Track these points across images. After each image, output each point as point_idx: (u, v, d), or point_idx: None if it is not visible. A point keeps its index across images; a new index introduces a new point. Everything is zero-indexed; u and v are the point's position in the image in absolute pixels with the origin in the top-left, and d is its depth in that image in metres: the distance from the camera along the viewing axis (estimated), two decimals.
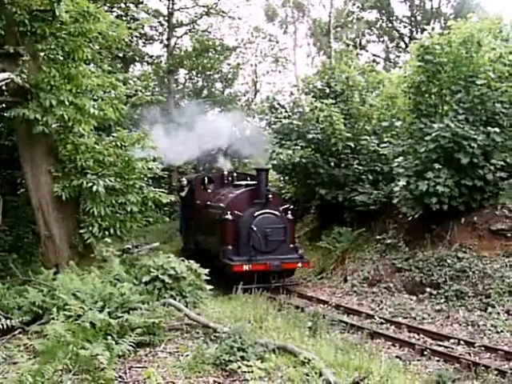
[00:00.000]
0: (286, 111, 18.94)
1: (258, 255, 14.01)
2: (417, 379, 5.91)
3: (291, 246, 14.85)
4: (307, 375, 5.82)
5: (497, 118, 13.21)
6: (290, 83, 32.98)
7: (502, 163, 12.94)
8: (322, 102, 16.50)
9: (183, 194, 18.08)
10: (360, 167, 16.76)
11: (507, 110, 13.38)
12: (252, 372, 5.71)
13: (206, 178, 17.64)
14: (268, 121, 19.16)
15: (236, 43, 34.28)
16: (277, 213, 14.53)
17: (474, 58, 13.44)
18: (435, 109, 13.98)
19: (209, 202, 16.09)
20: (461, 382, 6.49)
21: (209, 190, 17.26)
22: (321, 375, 5.76)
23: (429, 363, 8.07)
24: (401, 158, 14.24)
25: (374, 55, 38.03)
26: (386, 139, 16.15)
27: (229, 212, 14.27)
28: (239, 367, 5.78)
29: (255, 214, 14.22)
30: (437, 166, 12.70)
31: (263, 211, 14.34)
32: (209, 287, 8.65)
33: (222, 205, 14.84)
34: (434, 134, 12.47)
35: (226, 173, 17.44)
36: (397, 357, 8.06)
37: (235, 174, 17.54)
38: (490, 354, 8.55)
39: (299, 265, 14.54)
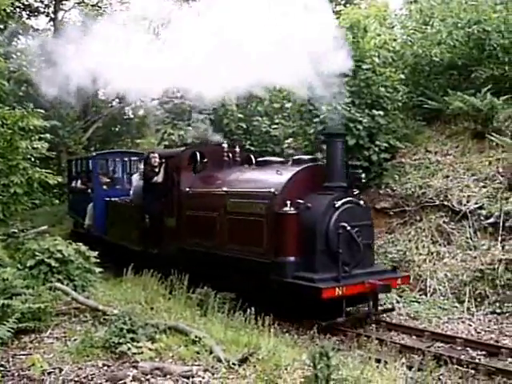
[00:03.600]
0: (179, 91, 18.73)
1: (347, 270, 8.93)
2: (303, 352, 6.14)
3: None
4: (198, 353, 5.90)
5: (381, 101, 13.83)
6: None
7: (386, 145, 13.62)
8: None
9: (158, 177, 12.07)
10: (252, 148, 16.96)
11: (391, 94, 14.07)
12: (142, 353, 5.71)
13: (197, 154, 11.88)
14: (160, 100, 18.85)
15: (127, 20, 33.31)
16: (361, 202, 9.66)
17: (361, 44, 13.94)
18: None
19: (213, 189, 10.85)
20: (345, 352, 6.80)
21: (200, 172, 11.88)
22: (211, 352, 5.87)
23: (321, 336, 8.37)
24: (291, 139, 14.58)
25: None
26: (277, 120, 16.45)
27: (288, 202, 8.93)
28: (129, 349, 5.74)
29: (336, 205, 9.01)
30: (325, 147, 13.10)
31: (346, 199, 9.18)
32: (98, 270, 8.47)
33: (269, 190, 9.25)
34: (322, 116, 12.86)
35: (225, 147, 11.84)
36: (286, 332, 8.31)
37: (238, 149, 12.14)
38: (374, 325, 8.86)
39: (399, 282, 9.53)
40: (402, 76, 14.84)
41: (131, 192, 13.98)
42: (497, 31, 15.01)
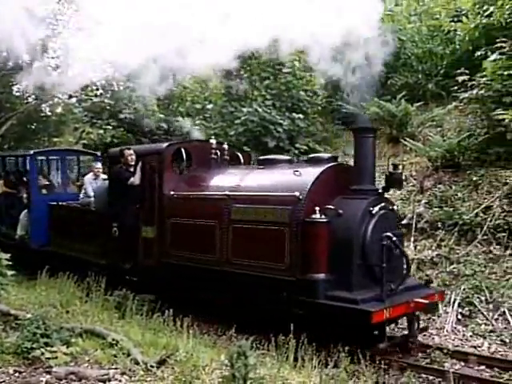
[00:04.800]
0: (98, 89, 18.33)
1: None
2: (222, 352, 6.15)
3: None
4: (115, 356, 5.80)
5: (301, 104, 14.12)
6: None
7: (305, 147, 13.91)
8: (135, 82, 16.25)
9: (135, 179, 9.89)
10: None
11: (310, 98, 14.38)
12: (56, 358, 5.55)
13: (182, 151, 10.00)
14: (78, 98, 18.35)
15: (45, 13, 32.20)
16: (395, 207, 8.38)
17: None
18: (245, 93, 14.51)
19: (208, 192, 9.14)
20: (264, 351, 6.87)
21: (186, 173, 10.03)
22: (129, 355, 5.79)
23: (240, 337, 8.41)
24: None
25: None
26: (198, 121, 16.42)
27: (317, 208, 7.43)
28: (42, 354, 5.56)
29: (373, 211, 7.57)
30: (246, 148, 13.24)
31: (381, 205, 7.74)
32: (11, 273, 8.12)
33: (293, 194, 7.66)
34: (243, 118, 12.97)
35: (213, 143, 10.11)
36: (205, 333, 8.30)
37: (226, 147, 10.34)
38: None
39: (436, 298, 7.95)
40: (322, 80, 15.18)
41: (86, 195, 11.90)
42: (411, 41, 15.68)
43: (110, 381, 5.17)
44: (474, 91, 11.76)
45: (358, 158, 8.01)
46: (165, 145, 10.10)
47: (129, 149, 10.28)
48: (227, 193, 8.54)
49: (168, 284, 9.28)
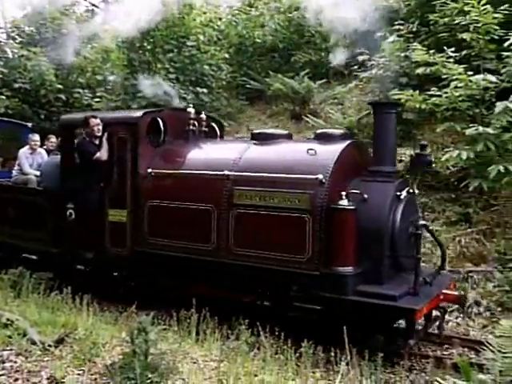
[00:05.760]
0: None
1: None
2: (123, 329, 6.08)
3: None
4: (10, 337, 5.57)
5: (205, 79, 14.02)
6: None
7: None
8: (30, 50, 15.47)
9: (102, 153, 8.33)
10: None
11: (215, 72, 14.30)
12: None
13: (159, 121, 8.59)
14: None
15: None
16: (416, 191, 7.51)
17: (186, 20, 13.94)
18: (149, 66, 14.19)
19: (199, 171, 7.71)
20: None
21: (161, 147, 8.54)
22: (25, 335, 5.58)
23: (140, 313, 8.29)
24: None
25: (92, 5, 36.63)
26: (99, 94, 15.89)
27: (343, 193, 6.50)
28: None
29: (401, 196, 6.82)
30: None
31: (407, 189, 6.98)
32: None
33: (315, 177, 6.62)
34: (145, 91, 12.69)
35: (191, 112, 8.74)
36: (106, 309, 8.15)
37: (204, 117, 9.01)
38: None
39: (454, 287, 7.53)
40: (227, 55, 15.15)
41: (21, 172, 10.11)
42: (316, 19, 15.91)
43: (3, 363, 4.95)
44: (374, 71, 12.16)
45: (378, 136, 7.20)
46: (139, 113, 8.51)
47: (95, 117, 8.60)
48: (226, 172, 7.28)
49: (143, 276, 8.25)
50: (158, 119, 8.52)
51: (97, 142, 8.47)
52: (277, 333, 5.80)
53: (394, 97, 11.02)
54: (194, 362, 5.24)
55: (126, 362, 4.50)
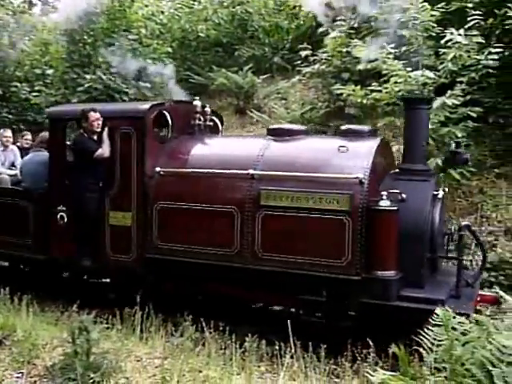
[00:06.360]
0: None
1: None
2: (64, 329, 5.94)
3: None
4: None
5: (148, 73, 13.81)
6: None
7: None
8: None
9: (103, 150, 7.59)
10: (10, 116, 15.72)
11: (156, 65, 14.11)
12: None
13: (166, 115, 7.80)
14: None
15: None
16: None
17: (127, 13, 13.72)
18: (89, 59, 13.89)
19: (218, 169, 7.01)
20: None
21: (167, 143, 7.77)
22: None
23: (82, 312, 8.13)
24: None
25: None
26: (38, 88, 15.44)
27: (383, 193, 6.18)
28: None
29: (438, 195, 6.69)
30: None
31: (441, 188, 7.03)
32: None
33: (355, 176, 6.22)
34: (86, 85, 12.44)
35: (198, 105, 8.08)
36: (47, 310, 7.95)
37: (209, 110, 8.36)
38: None
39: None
40: (170, 49, 14.97)
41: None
42: (258, 14, 15.96)
43: None
44: (316, 66, 12.28)
45: (410, 133, 6.90)
46: (146, 106, 7.70)
47: (94, 110, 7.70)
48: (251, 171, 6.68)
49: (152, 283, 7.46)
50: (165, 112, 7.76)
51: (95, 137, 7.68)
52: (221, 328, 5.80)
53: (336, 92, 11.20)
54: (138, 360, 5.19)
55: (68, 363, 4.43)
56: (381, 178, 6.58)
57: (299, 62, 13.05)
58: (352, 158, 6.45)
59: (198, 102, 8.06)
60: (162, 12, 16.06)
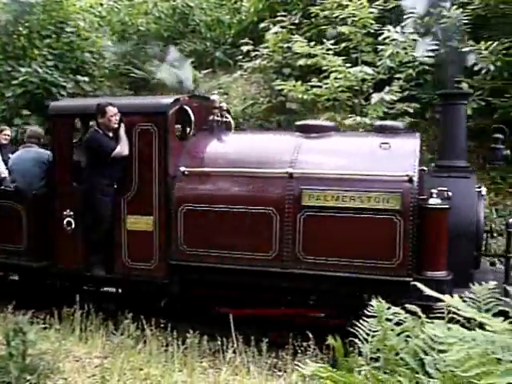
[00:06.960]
0: None
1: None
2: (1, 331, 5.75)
3: None
4: None
5: (86, 67, 13.54)
6: None
7: None
8: None
9: (122, 148, 6.84)
10: None
11: (97, 60, 13.83)
12: None
13: (188, 111, 7.28)
14: None
15: None
16: None
17: (64, 4, 13.37)
18: (24, 52, 13.46)
19: (251, 169, 6.45)
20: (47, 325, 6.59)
21: (188, 140, 7.28)
22: None
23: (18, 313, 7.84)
24: None
25: None
26: None
27: (433, 191, 6.02)
28: None
29: (482, 192, 6.69)
30: (25, 112, 12.31)
31: (483, 185, 6.95)
32: None
33: (405, 173, 5.88)
34: (21, 79, 12.05)
35: (216, 101, 7.47)
36: None
37: (225, 106, 7.73)
38: None
39: None
40: (109, 43, 14.68)
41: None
42: (200, 8, 15.85)
43: None
44: (258, 61, 12.31)
45: (448, 129, 6.75)
46: (168, 100, 6.99)
47: (112, 105, 6.96)
48: (290, 170, 6.20)
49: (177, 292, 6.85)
50: (187, 108, 7.19)
51: (110, 134, 6.95)
52: (162, 325, 5.75)
53: (277, 87, 11.25)
54: (77, 360, 5.09)
55: (2, 366, 4.29)
56: (421, 176, 6.26)
57: (241, 56, 13.07)
58: (397, 155, 6.19)
59: (215, 97, 7.55)
60: (101, 4, 15.71)
